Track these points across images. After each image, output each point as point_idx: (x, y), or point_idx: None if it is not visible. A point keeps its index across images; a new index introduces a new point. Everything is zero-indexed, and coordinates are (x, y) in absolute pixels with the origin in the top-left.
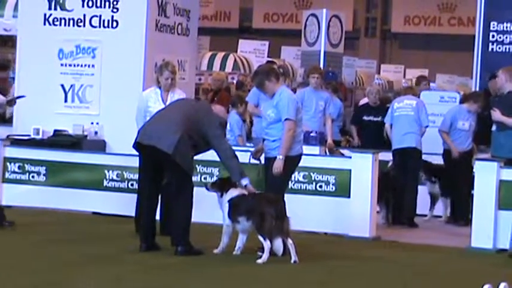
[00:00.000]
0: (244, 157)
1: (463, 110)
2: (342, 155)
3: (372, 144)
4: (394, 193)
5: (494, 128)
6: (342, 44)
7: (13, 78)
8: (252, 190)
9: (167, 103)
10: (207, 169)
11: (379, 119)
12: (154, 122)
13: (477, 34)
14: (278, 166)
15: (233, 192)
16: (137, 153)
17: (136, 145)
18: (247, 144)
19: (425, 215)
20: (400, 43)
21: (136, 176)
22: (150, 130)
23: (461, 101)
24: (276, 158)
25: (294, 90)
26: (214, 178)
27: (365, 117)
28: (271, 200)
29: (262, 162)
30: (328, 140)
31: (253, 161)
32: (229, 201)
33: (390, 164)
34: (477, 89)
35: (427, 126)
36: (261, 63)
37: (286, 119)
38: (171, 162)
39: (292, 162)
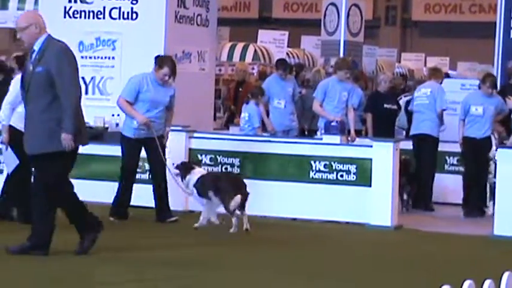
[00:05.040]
0: (259, 147)
1: (477, 95)
2: None
3: (386, 132)
4: (410, 179)
5: None
6: (362, 33)
7: None
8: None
9: None
10: (227, 159)
11: (395, 106)
12: None
13: (498, 21)
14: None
15: (197, 173)
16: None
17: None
18: (264, 134)
19: (445, 203)
20: (420, 31)
21: None
22: None
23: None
24: (161, 135)
25: (307, 81)
26: (236, 169)
27: (385, 105)
28: (233, 179)
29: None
30: (351, 131)
31: None
32: (198, 180)
33: None
34: (498, 76)
35: (444, 110)
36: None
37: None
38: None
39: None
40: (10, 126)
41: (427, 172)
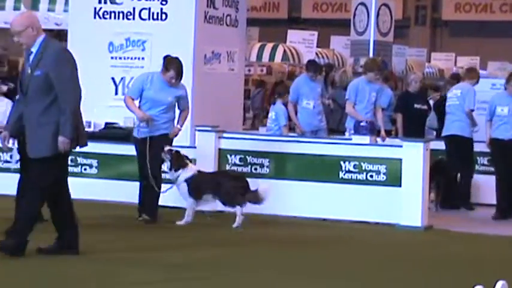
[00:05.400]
0: (288, 147)
1: (503, 95)
2: None
3: (416, 132)
4: (444, 178)
5: None
6: (392, 32)
7: None
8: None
9: None
10: (257, 160)
11: (425, 107)
12: None
13: None
14: (176, 133)
15: (191, 170)
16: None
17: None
18: (292, 134)
19: (476, 203)
20: (450, 31)
21: None
22: None
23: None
24: (166, 134)
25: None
26: (265, 169)
27: (415, 105)
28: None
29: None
30: (381, 130)
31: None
32: (192, 176)
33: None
34: None
35: (472, 110)
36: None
37: (188, 107)
38: None
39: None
40: None
41: (465, 172)
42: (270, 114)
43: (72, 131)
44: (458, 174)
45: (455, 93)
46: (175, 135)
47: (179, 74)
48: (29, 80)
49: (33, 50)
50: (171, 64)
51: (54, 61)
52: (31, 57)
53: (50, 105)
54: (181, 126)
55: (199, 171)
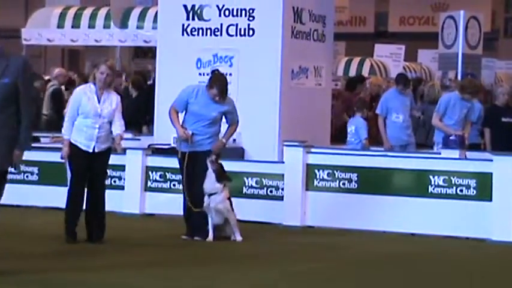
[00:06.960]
0: (376, 162)
1: None
2: None
3: (505, 146)
4: None
5: None
6: (481, 45)
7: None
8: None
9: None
10: (345, 175)
11: None
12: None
13: None
14: (219, 147)
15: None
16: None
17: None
18: (377, 148)
19: None
20: None
21: (276, 183)
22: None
23: None
24: (209, 150)
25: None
26: (353, 184)
27: (503, 119)
28: None
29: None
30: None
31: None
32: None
33: None
34: None
35: None
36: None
37: (238, 121)
38: None
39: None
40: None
41: None
42: (349, 129)
43: (30, 146)
44: None
45: None
46: (219, 149)
47: (223, 92)
48: None
49: None
50: (216, 82)
51: (23, 72)
52: None
53: (10, 117)
54: (226, 140)
55: None
